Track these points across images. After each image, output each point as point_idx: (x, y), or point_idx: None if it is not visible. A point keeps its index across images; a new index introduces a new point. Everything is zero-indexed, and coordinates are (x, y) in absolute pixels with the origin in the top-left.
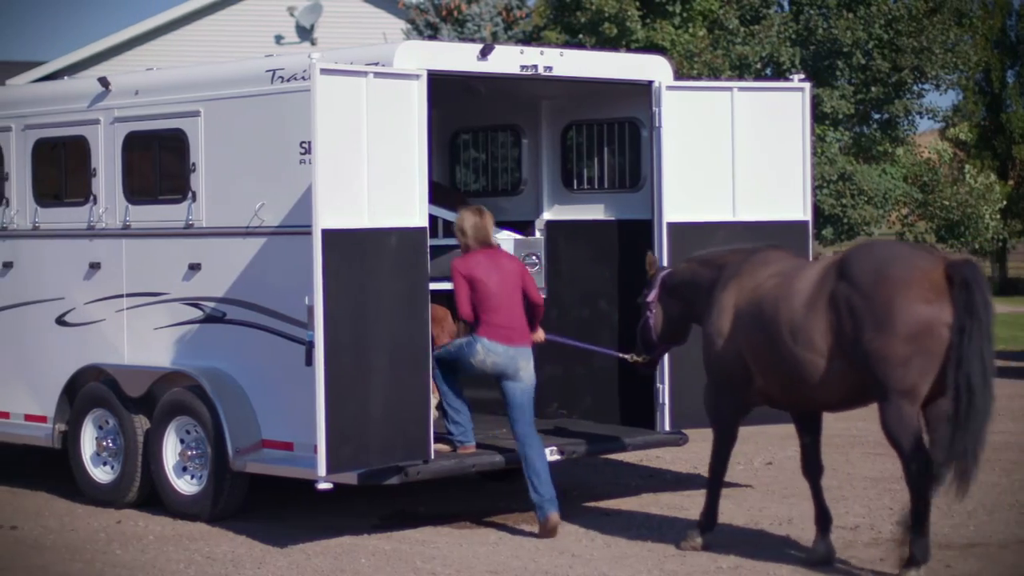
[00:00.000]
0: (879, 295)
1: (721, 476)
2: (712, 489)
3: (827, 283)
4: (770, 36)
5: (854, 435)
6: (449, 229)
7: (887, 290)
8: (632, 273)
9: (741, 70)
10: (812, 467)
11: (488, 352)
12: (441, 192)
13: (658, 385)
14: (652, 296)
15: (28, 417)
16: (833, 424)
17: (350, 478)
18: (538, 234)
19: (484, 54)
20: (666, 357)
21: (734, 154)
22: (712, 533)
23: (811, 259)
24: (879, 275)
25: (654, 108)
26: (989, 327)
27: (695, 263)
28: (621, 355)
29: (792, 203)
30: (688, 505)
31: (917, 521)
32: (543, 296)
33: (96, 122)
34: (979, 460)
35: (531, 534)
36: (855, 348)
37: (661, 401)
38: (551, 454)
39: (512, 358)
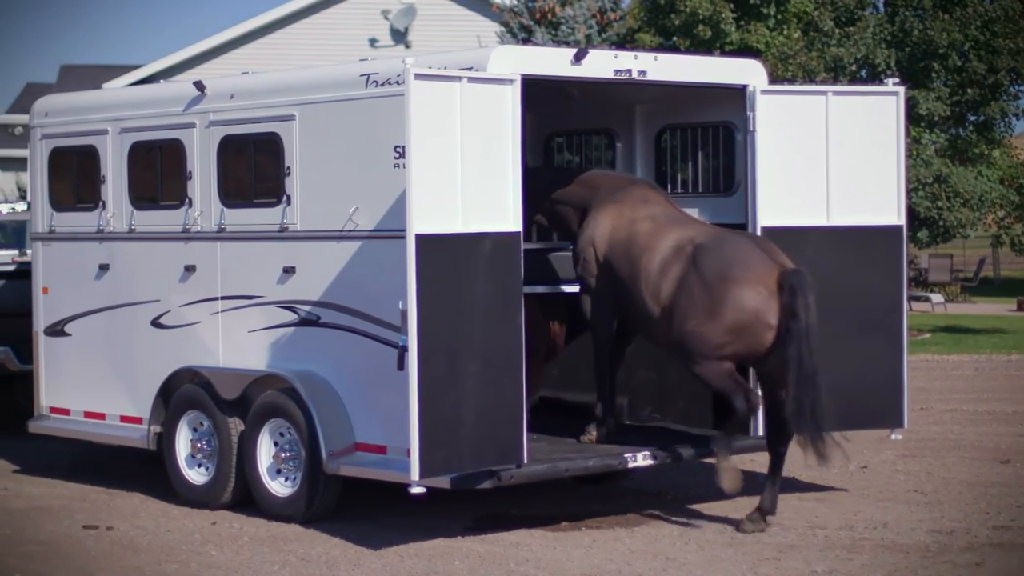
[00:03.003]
0: (717, 289)
1: (604, 377)
2: (600, 388)
3: (682, 260)
4: (865, 38)
5: (950, 439)
6: (543, 233)
7: (724, 287)
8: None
9: (836, 72)
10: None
11: None
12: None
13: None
14: None
15: (123, 418)
16: (929, 428)
17: (443, 482)
18: None
19: (578, 59)
20: None
21: (828, 158)
22: (608, 426)
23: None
24: (723, 273)
25: (748, 112)
26: (812, 327)
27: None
28: None
29: (887, 207)
30: (782, 508)
31: (728, 429)
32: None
33: (192, 126)
34: (825, 436)
35: (625, 537)
36: (680, 325)
37: None
38: (644, 458)
39: None
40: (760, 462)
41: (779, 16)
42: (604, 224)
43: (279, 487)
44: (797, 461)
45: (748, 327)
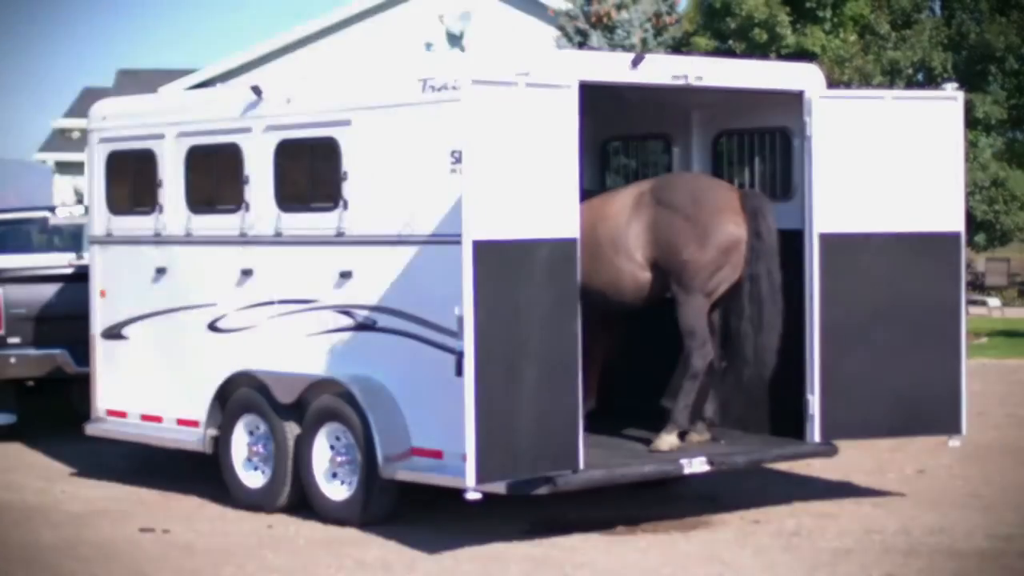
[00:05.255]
0: (699, 218)
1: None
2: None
3: (644, 207)
4: (922, 41)
5: (1008, 444)
6: None
7: (705, 214)
8: (784, 282)
9: (892, 75)
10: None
11: None
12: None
13: (808, 396)
14: None
15: (180, 421)
16: (985, 433)
17: (499, 488)
18: None
19: (635, 64)
20: (817, 369)
21: (886, 164)
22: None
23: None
24: (696, 203)
25: (806, 117)
26: (773, 247)
27: None
28: None
29: (945, 214)
30: (839, 513)
31: (684, 392)
32: None
33: (249, 130)
34: (773, 354)
35: (681, 541)
36: (673, 259)
37: (811, 412)
38: (701, 464)
39: None
40: (816, 466)
41: (835, 19)
42: None
43: (335, 491)
44: (856, 466)
45: (733, 247)
